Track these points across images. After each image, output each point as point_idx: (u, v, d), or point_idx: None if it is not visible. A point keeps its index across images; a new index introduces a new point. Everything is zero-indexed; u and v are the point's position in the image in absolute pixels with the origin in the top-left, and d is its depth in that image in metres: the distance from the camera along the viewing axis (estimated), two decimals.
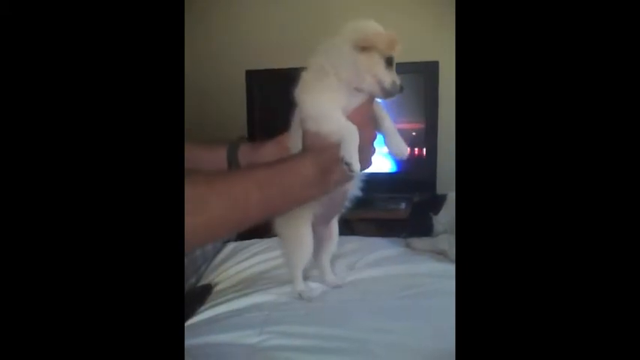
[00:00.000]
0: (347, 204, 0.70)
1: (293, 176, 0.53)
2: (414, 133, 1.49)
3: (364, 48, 0.54)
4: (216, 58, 1.76)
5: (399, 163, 1.50)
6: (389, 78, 0.55)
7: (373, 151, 0.60)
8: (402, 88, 0.56)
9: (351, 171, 0.53)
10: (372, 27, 0.56)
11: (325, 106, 0.56)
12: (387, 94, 0.56)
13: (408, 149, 0.61)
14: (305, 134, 0.58)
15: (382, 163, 1.52)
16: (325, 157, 0.54)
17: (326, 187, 0.56)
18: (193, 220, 0.43)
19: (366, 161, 0.57)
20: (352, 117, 0.56)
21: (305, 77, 0.58)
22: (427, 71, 1.45)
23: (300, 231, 0.68)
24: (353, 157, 0.52)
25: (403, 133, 1.49)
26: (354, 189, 0.67)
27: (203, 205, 0.45)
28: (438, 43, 1.63)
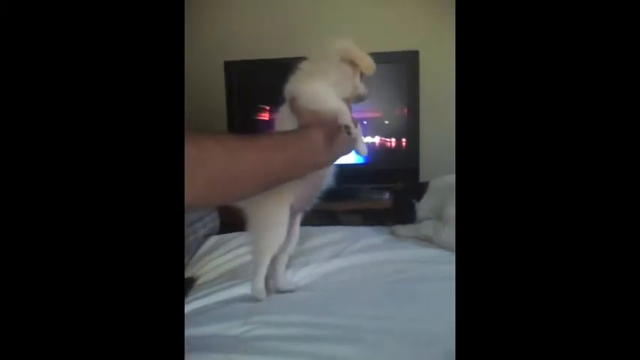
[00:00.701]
0: (318, 195, 0.70)
1: (306, 142, 0.57)
2: (386, 122, 1.49)
3: (351, 62, 0.64)
4: (195, 50, 1.72)
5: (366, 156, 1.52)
6: (362, 87, 0.67)
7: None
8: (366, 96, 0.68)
9: (350, 134, 0.59)
10: (356, 49, 0.65)
11: (324, 89, 0.63)
12: (359, 98, 0.67)
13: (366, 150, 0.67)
14: (303, 113, 0.63)
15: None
16: (328, 128, 0.59)
17: (333, 155, 0.61)
18: (224, 173, 0.46)
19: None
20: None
21: (299, 73, 0.66)
22: (408, 60, 1.45)
23: (277, 212, 0.66)
24: (351, 123, 0.60)
25: (387, 121, 1.47)
26: (330, 179, 0.69)
27: (236, 158, 0.48)
28: (418, 33, 1.64)
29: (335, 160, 0.63)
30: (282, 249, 0.70)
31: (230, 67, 1.52)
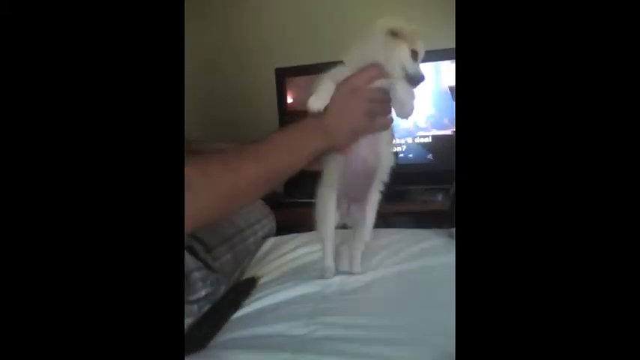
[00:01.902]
0: (385, 177, 0.72)
1: (302, 138, 0.58)
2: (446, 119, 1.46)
3: (395, 35, 0.62)
4: (248, 57, 1.78)
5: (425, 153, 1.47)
6: (412, 66, 0.62)
7: (365, 123, 0.63)
8: (423, 78, 0.62)
9: (310, 109, 0.59)
10: (403, 22, 0.64)
11: (321, 79, 0.63)
12: (410, 79, 0.62)
13: (414, 109, 0.62)
14: None
15: (415, 154, 1.49)
16: (306, 122, 0.60)
17: (307, 155, 0.60)
18: (229, 191, 0.49)
19: (351, 132, 0.62)
20: (341, 84, 0.61)
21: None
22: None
23: (324, 200, 0.72)
24: (312, 98, 0.60)
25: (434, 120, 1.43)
26: (387, 162, 0.71)
27: (239, 175, 0.51)
28: None
29: (311, 159, 0.62)
30: (354, 236, 0.77)
31: (281, 73, 1.55)
